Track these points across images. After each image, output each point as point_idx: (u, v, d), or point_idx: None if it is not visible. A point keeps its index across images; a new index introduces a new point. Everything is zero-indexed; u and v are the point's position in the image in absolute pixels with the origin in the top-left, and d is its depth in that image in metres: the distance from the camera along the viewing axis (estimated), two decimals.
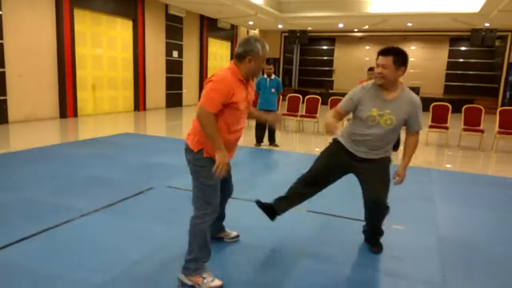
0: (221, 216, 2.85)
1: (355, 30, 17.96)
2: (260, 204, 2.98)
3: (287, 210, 2.99)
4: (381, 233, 3.02)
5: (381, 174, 2.76)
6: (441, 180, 5.35)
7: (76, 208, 3.58)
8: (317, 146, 7.73)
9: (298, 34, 17.62)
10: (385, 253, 3.00)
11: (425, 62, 18.78)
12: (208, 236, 2.40)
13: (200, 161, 2.33)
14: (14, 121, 8.26)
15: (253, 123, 7.49)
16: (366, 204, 2.84)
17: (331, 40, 20.62)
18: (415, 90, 16.66)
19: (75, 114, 9.59)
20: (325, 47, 20.89)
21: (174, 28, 12.74)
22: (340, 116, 2.81)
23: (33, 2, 8.39)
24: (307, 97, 9.46)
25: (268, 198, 3.04)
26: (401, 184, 2.81)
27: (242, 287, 2.46)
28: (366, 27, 16.21)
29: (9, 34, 7.94)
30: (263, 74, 7.06)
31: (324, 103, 9.57)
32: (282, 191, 2.99)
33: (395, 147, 7.24)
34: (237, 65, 2.37)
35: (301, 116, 9.22)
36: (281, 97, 8.29)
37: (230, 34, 16.26)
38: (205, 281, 2.36)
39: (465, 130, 8.05)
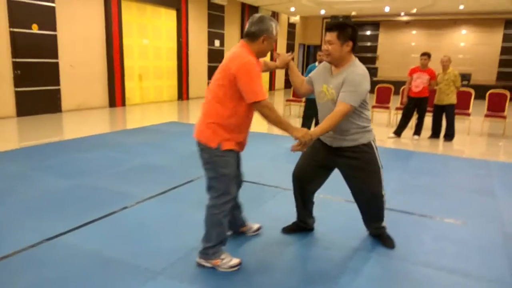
0: (238, 206, 2.77)
1: (402, 14, 17.19)
2: (287, 230, 2.97)
3: (311, 214, 2.98)
4: (381, 226, 2.86)
5: (365, 167, 2.61)
6: (501, 173, 5.04)
7: (132, 195, 3.69)
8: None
9: (340, 19, 17.12)
10: (449, 250, 2.86)
11: (477, 47, 17.70)
12: (226, 222, 2.44)
13: (219, 153, 2.32)
14: (66, 110, 8.65)
15: (301, 113, 7.34)
16: (358, 200, 2.75)
17: (375, 25, 19.88)
18: (466, 77, 15.82)
19: (123, 103, 9.91)
20: (368, 33, 20.18)
21: (216, 17, 12.76)
22: (307, 89, 2.77)
23: None
24: (377, 86, 9.12)
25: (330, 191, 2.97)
26: (296, 151, 2.44)
27: (259, 266, 2.50)
28: (414, 10, 15.46)
29: (62, 26, 8.27)
30: (315, 61, 6.81)
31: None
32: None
33: (451, 136, 6.91)
34: (250, 44, 2.31)
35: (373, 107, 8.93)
36: None
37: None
38: (224, 261, 2.43)
39: None
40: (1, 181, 3.98)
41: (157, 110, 9.96)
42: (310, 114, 6.72)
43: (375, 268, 2.57)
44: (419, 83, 6.75)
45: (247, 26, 2.34)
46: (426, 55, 6.69)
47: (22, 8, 7.46)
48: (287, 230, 2.99)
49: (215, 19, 12.75)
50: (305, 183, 2.80)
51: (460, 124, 8.25)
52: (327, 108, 2.57)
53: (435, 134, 7.12)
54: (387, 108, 8.54)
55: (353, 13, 16.66)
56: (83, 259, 2.54)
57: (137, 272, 2.41)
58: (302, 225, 3.00)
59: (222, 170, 2.34)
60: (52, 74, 8.21)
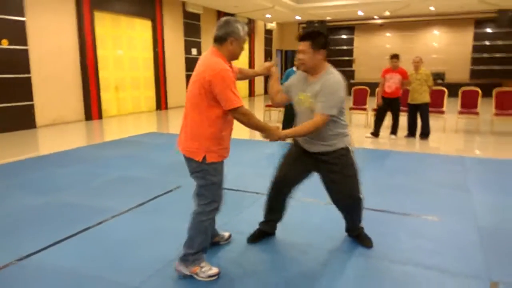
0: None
1: (375, 17, 17.55)
2: (252, 240, 2.93)
3: (276, 224, 2.98)
4: (359, 226, 2.91)
5: (342, 171, 2.63)
6: (475, 168, 5.16)
7: (109, 208, 3.61)
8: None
9: (316, 24, 17.35)
10: (425, 247, 2.89)
11: (449, 47, 18.17)
12: (210, 230, 2.46)
13: (206, 164, 2.33)
14: (41, 125, 8.45)
15: (281, 118, 7.36)
16: (337, 204, 2.78)
17: (350, 29, 20.21)
18: (440, 75, 16.21)
19: (100, 116, 9.75)
20: (344, 37, 20.50)
21: (192, 25, 12.75)
22: (283, 98, 2.81)
23: (55, 7, 8.52)
24: (353, 88, 9.23)
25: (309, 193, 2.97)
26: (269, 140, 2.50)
27: (238, 274, 2.48)
28: (387, 13, 15.79)
29: (33, 40, 8.11)
30: (292, 66, 6.88)
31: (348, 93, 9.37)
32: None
33: (426, 135, 7.05)
34: (219, 48, 2.31)
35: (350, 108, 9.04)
36: None
37: (248, 28, 16.17)
38: (203, 269, 2.42)
39: (497, 115, 7.75)
40: None
41: (135, 121, 9.85)
42: (291, 118, 6.76)
43: (353, 269, 2.58)
44: (391, 83, 6.94)
45: (214, 31, 2.33)
46: (395, 57, 6.93)
47: None
48: (253, 240, 2.93)
49: (191, 27, 12.73)
50: (286, 188, 2.81)
51: (435, 122, 8.44)
52: (306, 115, 2.60)
53: (411, 133, 7.26)
54: (364, 109, 8.69)
55: (328, 18, 16.90)
56: (56, 278, 2.46)
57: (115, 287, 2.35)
58: (266, 229, 2.96)
59: (212, 178, 2.36)
60: (24, 89, 8.02)
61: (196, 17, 12.91)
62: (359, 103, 8.77)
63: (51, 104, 8.67)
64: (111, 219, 3.40)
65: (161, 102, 11.83)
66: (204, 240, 2.41)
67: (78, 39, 9.07)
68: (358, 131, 7.91)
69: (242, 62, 16.03)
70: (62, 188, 4.29)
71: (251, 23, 16.38)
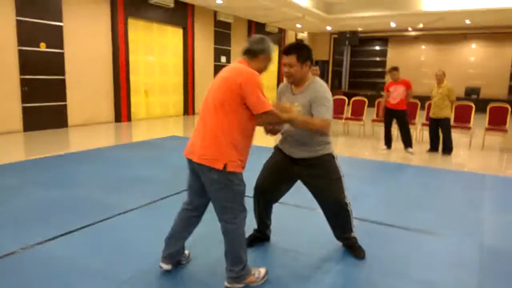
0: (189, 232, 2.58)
1: (409, 29, 17.23)
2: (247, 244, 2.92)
3: (269, 225, 3.02)
4: (352, 236, 2.89)
5: (327, 175, 2.69)
6: (495, 187, 4.98)
7: (118, 205, 3.78)
8: (362, 149, 7.51)
9: (348, 35, 17.24)
10: (420, 262, 2.85)
11: (487, 61, 17.53)
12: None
13: (229, 173, 2.22)
14: (73, 125, 8.90)
15: None
16: (325, 210, 2.81)
17: (384, 40, 19.95)
18: (475, 91, 15.63)
19: (129, 119, 10.14)
20: (377, 48, 20.26)
21: (222, 34, 13.04)
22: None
23: (91, 14, 9.01)
24: (352, 99, 9.24)
25: (307, 201, 3.00)
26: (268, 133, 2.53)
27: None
28: (420, 25, 15.48)
29: (69, 44, 8.59)
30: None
31: (373, 105, 9.30)
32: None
33: (449, 150, 6.87)
34: (248, 62, 2.36)
35: (346, 118, 9.02)
36: None
37: (277, 38, 16.33)
38: (256, 275, 2.43)
39: None
40: None
41: (162, 125, 10.16)
42: None
43: (338, 279, 2.58)
44: (395, 95, 6.93)
45: (247, 44, 2.41)
46: (395, 69, 7.01)
47: (31, 27, 7.80)
48: (248, 243, 2.92)
49: (222, 36, 13.02)
50: (268, 194, 2.85)
51: (461, 137, 8.18)
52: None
53: (433, 147, 7.09)
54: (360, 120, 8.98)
55: (360, 29, 16.77)
56: (55, 267, 2.62)
57: (104, 280, 2.48)
58: (260, 236, 3.03)
59: (238, 187, 2.27)
60: (58, 90, 8.51)
61: (227, 25, 13.20)
62: (357, 114, 9.03)
63: (83, 105, 9.12)
64: (117, 215, 3.56)
65: (189, 107, 12.14)
66: (246, 249, 2.38)
67: (111, 44, 9.52)
68: (371, 143, 7.81)
69: (270, 71, 16.18)
70: (79, 183, 4.53)
71: (281, 32, 16.52)
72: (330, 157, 2.71)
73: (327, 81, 19.30)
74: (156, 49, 10.92)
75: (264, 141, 4.87)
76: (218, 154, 2.19)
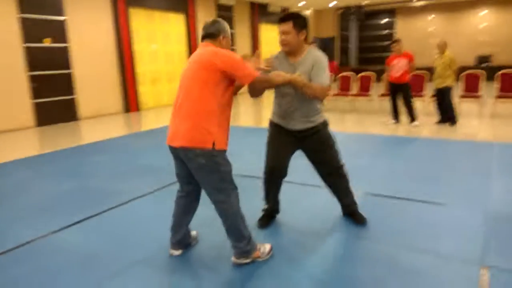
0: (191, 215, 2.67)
1: None
2: (264, 224, 3.03)
3: (278, 203, 3.09)
4: (353, 200, 3.04)
5: (325, 142, 2.83)
6: (504, 154, 4.93)
7: (128, 192, 3.90)
8: (370, 124, 7.48)
9: (353, 10, 16.94)
10: (422, 231, 2.89)
11: (498, 28, 17.00)
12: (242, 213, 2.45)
13: (216, 153, 2.26)
14: (83, 118, 9.06)
15: None
16: (326, 177, 2.94)
17: (391, 13, 19.47)
18: (486, 58, 15.25)
19: (137, 108, 10.25)
20: (384, 21, 19.82)
21: (224, 17, 12.92)
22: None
23: (92, 5, 9.04)
24: (359, 74, 9.16)
25: (308, 179, 3.05)
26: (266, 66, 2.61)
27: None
28: None
29: (73, 37, 8.67)
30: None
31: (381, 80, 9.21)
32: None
33: (450, 120, 6.83)
34: (212, 43, 2.41)
35: (353, 95, 8.97)
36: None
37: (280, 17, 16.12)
38: (261, 250, 2.52)
39: None
40: (12, 185, 4.30)
41: (171, 112, 10.22)
42: None
43: (344, 249, 2.65)
44: (398, 68, 6.88)
45: (203, 30, 2.46)
46: (395, 41, 6.96)
47: (34, 23, 7.89)
48: (264, 224, 3.04)
49: (224, 19, 12.83)
50: (281, 172, 2.89)
51: (471, 106, 8.07)
52: (292, 97, 2.71)
53: (441, 119, 7.01)
54: (367, 95, 8.93)
55: (365, 2, 16.42)
56: (69, 253, 2.75)
57: (116, 262, 2.59)
58: (271, 213, 3.10)
59: (225, 168, 2.31)
60: (66, 84, 8.64)
61: (229, 9, 13.09)
62: (364, 90, 8.93)
63: (92, 97, 9.25)
64: (128, 202, 3.68)
65: None
66: (246, 224, 2.43)
67: (114, 35, 9.57)
68: (379, 118, 7.76)
69: (273, 50, 16.05)
70: (91, 174, 4.66)
71: (284, 11, 16.29)
72: (326, 124, 2.86)
73: (334, 58, 19.06)
74: (159, 37, 10.93)
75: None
76: (205, 133, 2.24)
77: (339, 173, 2.93)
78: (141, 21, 10.32)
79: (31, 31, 7.86)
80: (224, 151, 2.35)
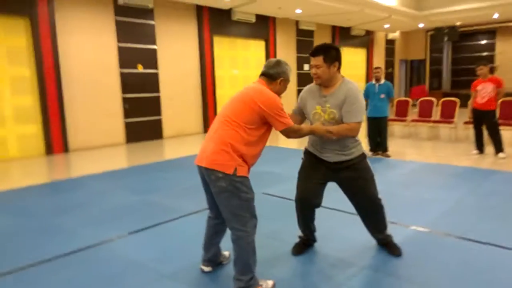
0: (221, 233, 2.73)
1: None
2: (298, 251, 3.02)
3: (315, 229, 3.04)
4: (387, 234, 2.95)
5: (362, 176, 2.76)
6: None
7: (182, 209, 4.16)
8: (450, 154, 6.90)
9: (445, 30, 15.90)
10: (472, 278, 2.60)
11: None
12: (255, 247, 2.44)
13: (238, 179, 2.31)
14: (167, 137, 9.86)
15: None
16: (361, 210, 2.84)
17: (491, 33, 17.88)
18: None
19: None
20: (483, 42, 18.26)
21: (304, 42, 13.15)
22: (296, 120, 2.76)
23: (180, 35, 9.93)
24: (442, 100, 8.55)
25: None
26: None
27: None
28: None
29: (162, 64, 9.59)
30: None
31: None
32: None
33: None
34: (267, 84, 2.50)
35: (434, 121, 8.38)
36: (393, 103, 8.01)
37: (364, 40, 15.84)
38: (264, 286, 2.47)
39: None
40: (89, 195, 4.87)
41: None
42: (372, 133, 6.59)
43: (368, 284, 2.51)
44: (483, 94, 6.27)
45: (264, 68, 2.58)
46: (482, 64, 6.34)
47: (129, 51, 8.92)
48: (298, 251, 3.02)
49: (304, 44, 13.13)
50: (311, 202, 2.87)
51: None
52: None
53: None
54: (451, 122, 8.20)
55: (458, 23, 15.34)
56: (113, 261, 3.04)
57: (148, 273, 2.80)
58: (307, 242, 3.07)
59: (246, 195, 2.35)
60: (154, 106, 9.53)
61: (309, 33, 13.28)
62: (447, 117, 8.28)
63: (175, 118, 10.04)
64: (178, 218, 3.94)
65: None
66: (255, 259, 2.42)
67: (199, 62, 10.34)
68: (463, 147, 7.09)
69: (360, 74, 15.73)
70: (155, 189, 5.07)
71: (369, 34, 15.97)
72: (363, 157, 2.78)
73: (424, 82, 18.00)
74: (239, 63, 11.51)
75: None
76: (229, 159, 2.30)
77: (376, 209, 2.82)
78: (223, 48, 11.01)
79: (126, 58, 8.89)
80: (246, 178, 2.38)
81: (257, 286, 2.43)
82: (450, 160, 6.42)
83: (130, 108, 9.08)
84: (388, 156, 6.61)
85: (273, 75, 2.50)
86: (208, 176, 2.37)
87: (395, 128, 9.24)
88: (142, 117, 9.35)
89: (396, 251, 2.90)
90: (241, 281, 2.39)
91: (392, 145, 7.45)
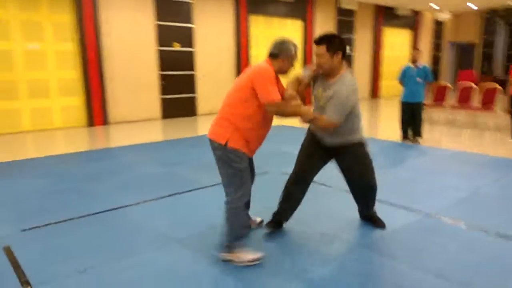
0: (247, 201, 2.84)
1: None
2: (268, 225, 3.06)
3: (291, 215, 3.06)
4: (373, 209, 3.10)
5: (359, 161, 2.85)
6: None
7: (201, 181, 4.38)
8: (486, 143, 6.61)
9: (501, 12, 14.86)
10: (466, 262, 2.60)
11: None
12: (244, 216, 2.65)
13: (230, 149, 2.48)
14: (201, 114, 10.14)
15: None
16: (355, 191, 2.95)
17: None
18: None
19: None
20: None
21: (345, 22, 12.82)
22: (299, 83, 2.74)
23: (217, 14, 10.04)
24: (482, 86, 8.12)
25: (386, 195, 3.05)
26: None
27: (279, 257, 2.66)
28: None
29: (198, 42, 9.78)
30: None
31: None
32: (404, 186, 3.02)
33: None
34: (272, 61, 2.59)
35: (473, 109, 8.00)
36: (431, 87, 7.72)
37: (410, 21, 15.15)
38: (241, 257, 2.60)
39: None
40: (117, 165, 5.21)
41: None
42: (406, 118, 6.41)
43: (362, 264, 2.58)
44: None
45: (270, 46, 2.66)
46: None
47: (167, 29, 9.18)
48: (273, 228, 3.06)
49: (344, 24, 12.81)
50: (306, 180, 2.96)
51: None
52: (318, 110, 2.77)
53: None
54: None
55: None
56: (130, 224, 3.31)
57: (160, 239, 3.02)
58: (281, 223, 3.09)
59: (237, 165, 2.50)
60: (189, 83, 9.80)
61: (350, 13, 12.91)
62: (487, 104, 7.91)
63: (210, 96, 10.28)
64: (198, 189, 4.16)
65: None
66: (243, 224, 2.61)
67: (234, 41, 10.43)
68: (502, 136, 6.75)
69: (403, 56, 15.14)
70: (180, 162, 5.32)
71: (416, 15, 15.25)
72: (362, 143, 2.84)
73: (472, 66, 17.00)
74: None
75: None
76: (223, 131, 2.52)
77: (370, 193, 2.96)
78: (260, 27, 11.01)
79: (164, 36, 9.16)
80: (239, 151, 2.50)
81: (237, 252, 2.60)
82: (485, 149, 6.15)
83: (167, 84, 9.41)
84: (418, 142, 6.42)
85: (275, 53, 2.59)
86: (210, 145, 2.62)
87: (432, 114, 8.93)
88: (178, 94, 9.66)
89: (380, 224, 3.07)
90: (224, 240, 2.62)
91: (428, 131, 7.25)
